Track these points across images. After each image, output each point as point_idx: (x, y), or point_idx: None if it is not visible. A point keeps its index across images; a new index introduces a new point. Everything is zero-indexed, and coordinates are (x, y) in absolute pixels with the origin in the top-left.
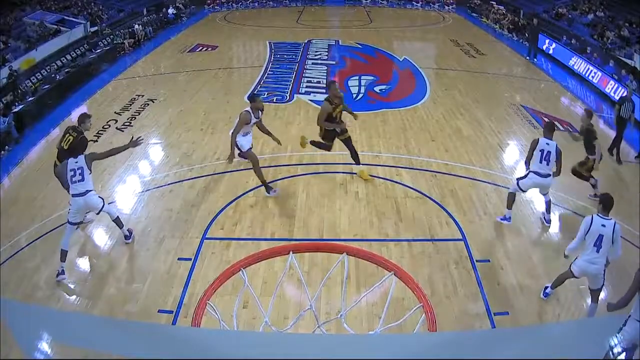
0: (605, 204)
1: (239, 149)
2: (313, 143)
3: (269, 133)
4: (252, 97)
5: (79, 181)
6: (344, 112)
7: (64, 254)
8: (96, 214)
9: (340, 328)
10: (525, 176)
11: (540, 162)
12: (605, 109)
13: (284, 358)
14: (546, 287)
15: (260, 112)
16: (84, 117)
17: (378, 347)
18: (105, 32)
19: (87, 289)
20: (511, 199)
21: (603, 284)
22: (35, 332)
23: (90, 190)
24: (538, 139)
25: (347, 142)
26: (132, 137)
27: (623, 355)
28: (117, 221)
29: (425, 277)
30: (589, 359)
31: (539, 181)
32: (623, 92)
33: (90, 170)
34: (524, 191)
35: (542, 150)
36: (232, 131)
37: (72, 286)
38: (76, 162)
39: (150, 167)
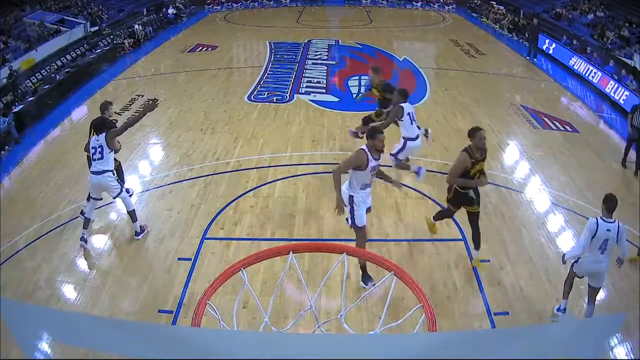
0: (609, 205)
1: (352, 216)
2: (437, 217)
3: (386, 177)
4: (373, 134)
5: (98, 159)
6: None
7: (87, 222)
8: (112, 197)
9: (340, 328)
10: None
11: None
12: (606, 109)
13: (284, 358)
14: (557, 308)
15: (380, 154)
16: (106, 105)
17: (378, 347)
18: (105, 32)
19: (87, 289)
20: (567, 288)
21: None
22: (35, 332)
23: (108, 171)
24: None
25: (474, 218)
26: (148, 101)
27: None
28: (132, 214)
29: (425, 277)
30: (589, 359)
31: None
32: (636, 101)
33: (111, 149)
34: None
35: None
36: (335, 169)
37: (72, 286)
38: (97, 140)
39: (150, 167)
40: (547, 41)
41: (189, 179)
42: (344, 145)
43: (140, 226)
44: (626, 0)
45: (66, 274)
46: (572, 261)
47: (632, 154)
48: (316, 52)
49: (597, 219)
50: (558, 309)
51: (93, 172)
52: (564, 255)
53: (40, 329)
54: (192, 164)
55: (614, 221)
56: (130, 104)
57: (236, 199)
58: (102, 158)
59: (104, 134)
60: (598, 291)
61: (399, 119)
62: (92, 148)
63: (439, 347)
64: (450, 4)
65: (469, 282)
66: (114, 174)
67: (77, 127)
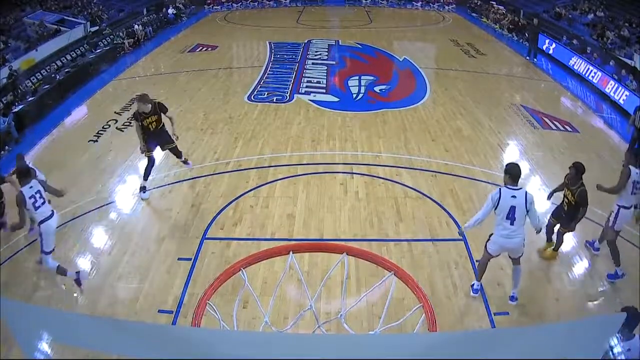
0: (512, 173)
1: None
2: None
3: None
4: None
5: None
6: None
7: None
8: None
9: (341, 328)
10: (617, 212)
11: (632, 193)
12: (606, 109)
13: (284, 358)
14: (473, 284)
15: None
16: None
17: (378, 347)
18: (105, 32)
19: (87, 289)
20: (481, 269)
21: (522, 253)
22: (35, 332)
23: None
24: (630, 168)
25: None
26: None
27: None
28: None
29: (425, 277)
30: (589, 359)
31: (628, 217)
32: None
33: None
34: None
35: (635, 182)
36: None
37: (72, 286)
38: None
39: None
40: (547, 41)
41: (189, 179)
42: (343, 146)
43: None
44: (626, 0)
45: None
46: (486, 242)
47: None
48: (316, 52)
49: (500, 187)
50: (473, 290)
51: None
52: (462, 228)
53: (40, 329)
54: (192, 164)
55: (520, 188)
56: (130, 104)
57: (236, 199)
58: (45, 202)
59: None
60: (519, 259)
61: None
62: (32, 198)
63: (439, 347)
64: (450, 4)
65: (469, 282)
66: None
67: (77, 128)
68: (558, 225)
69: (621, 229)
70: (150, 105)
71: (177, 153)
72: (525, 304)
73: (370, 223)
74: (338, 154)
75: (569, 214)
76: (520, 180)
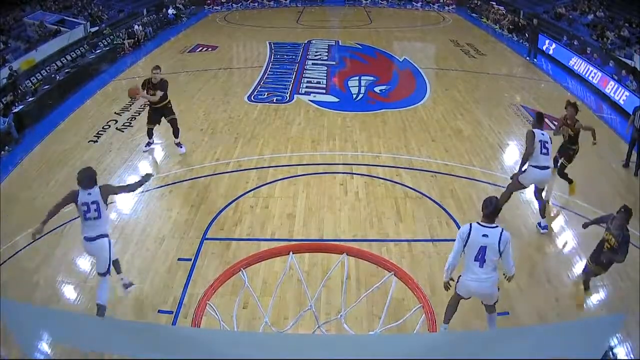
0: (486, 209)
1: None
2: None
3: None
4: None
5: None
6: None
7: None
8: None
9: (340, 328)
10: (524, 171)
11: (541, 153)
12: (606, 109)
13: (284, 358)
14: (443, 324)
15: None
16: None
17: (378, 347)
18: (105, 32)
19: (87, 289)
20: (450, 311)
21: (498, 299)
22: (35, 332)
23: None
24: (533, 131)
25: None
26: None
27: None
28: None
29: (425, 277)
30: (589, 359)
31: (540, 176)
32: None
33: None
34: (525, 187)
35: (540, 141)
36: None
37: (72, 286)
38: (89, 195)
39: (150, 167)
40: (547, 41)
41: (189, 179)
42: (343, 146)
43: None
44: (626, 0)
45: (66, 274)
46: (455, 282)
47: (633, 155)
48: (316, 52)
49: (471, 223)
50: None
51: (87, 238)
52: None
53: (40, 329)
54: (192, 164)
55: (496, 226)
56: (130, 105)
57: (236, 199)
58: (99, 217)
59: (97, 188)
60: (494, 307)
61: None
62: (84, 205)
63: (439, 347)
64: (450, 4)
65: None
66: (109, 240)
67: (77, 128)
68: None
69: (527, 187)
70: (158, 77)
71: (176, 130)
72: (525, 304)
73: (370, 223)
74: (338, 154)
75: (607, 258)
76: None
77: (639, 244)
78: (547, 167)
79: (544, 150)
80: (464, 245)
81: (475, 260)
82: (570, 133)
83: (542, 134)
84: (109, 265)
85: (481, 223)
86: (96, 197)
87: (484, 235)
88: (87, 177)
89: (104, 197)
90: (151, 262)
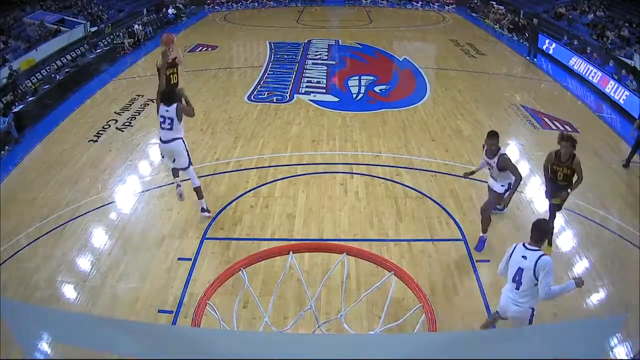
0: (532, 230)
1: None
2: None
3: None
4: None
5: (167, 129)
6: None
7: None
8: (181, 169)
9: (340, 328)
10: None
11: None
12: (605, 109)
13: (284, 358)
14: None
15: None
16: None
17: (378, 347)
18: (105, 32)
19: (87, 289)
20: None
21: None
22: (35, 332)
23: (178, 139)
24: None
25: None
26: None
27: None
28: (198, 190)
29: (425, 277)
30: (589, 359)
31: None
32: None
33: (180, 120)
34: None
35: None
36: None
37: (72, 286)
38: (167, 111)
39: (150, 167)
40: (547, 41)
41: (189, 179)
42: (343, 146)
43: (206, 208)
44: (626, 0)
45: (66, 274)
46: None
47: (625, 149)
48: (316, 52)
49: (517, 243)
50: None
51: (162, 141)
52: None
53: (40, 329)
54: (193, 164)
55: (537, 249)
56: (130, 104)
57: (236, 199)
58: (171, 129)
59: (174, 106)
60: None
61: None
62: (161, 117)
63: (439, 347)
64: (450, 4)
65: (469, 282)
66: (184, 142)
67: (77, 128)
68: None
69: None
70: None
71: None
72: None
73: (370, 223)
74: (338, 154)
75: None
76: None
77: (639, 244)
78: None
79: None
80: (507, 262)
81: (512, 281)
82: (566, 172)
83: None
84: (188, 159)
85: (526, 244)
86: (172, 114)
87: (523, 257)
88: (167, 96)
89: (178, 115)
90: (151, 262)
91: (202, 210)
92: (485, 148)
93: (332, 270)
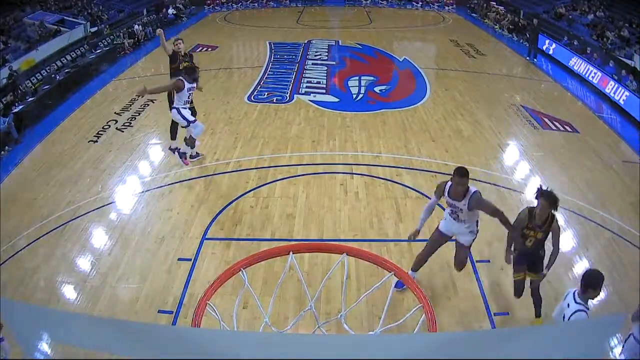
0: (584, 283)
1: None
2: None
3: None
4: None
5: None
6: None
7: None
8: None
9: (341, 328)
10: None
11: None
12: (606, 109)
13: (284, 358)
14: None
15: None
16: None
17: (378, 347)
18: (105, 32)
19: (87, 289)
20: None
21: None
22: (35, 332)
23: (173, 108)
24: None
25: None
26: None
27: None
28: (190, 140)
29: (425, 277)
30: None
31: None
32: None
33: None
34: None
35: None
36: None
37: (72, 286)
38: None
39: (150, 167)
40: (547, 41)
41: (189, 179)
42: (343, 146)
43: (190, 155)
44: (626, 0)
45: (66, 274)
46: None
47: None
48: (316, 52)
49: (574, 290)
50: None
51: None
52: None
53: (40, 329)
54: (192, 164)
55: (580, 304)
56: (130, 105)
57: (236, 199)
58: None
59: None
60: None
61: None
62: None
63: (439, 347)
64: (450, 4)
65: (469, 282)
66: (178, 111)
67: (77, 128)
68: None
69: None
70: (182, 47)
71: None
72: (525, 304)
73: (370, 223)
74: (338, 154)
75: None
76: (520, 180)
77: (639, 244)
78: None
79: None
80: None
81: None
82: (539, 237)
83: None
84: (186, 120)
85: (576, 293)
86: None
87: (567, 305)
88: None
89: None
90: (151, 262)
91: (173, 150)
92: (447, 188)
93: (332, 271)
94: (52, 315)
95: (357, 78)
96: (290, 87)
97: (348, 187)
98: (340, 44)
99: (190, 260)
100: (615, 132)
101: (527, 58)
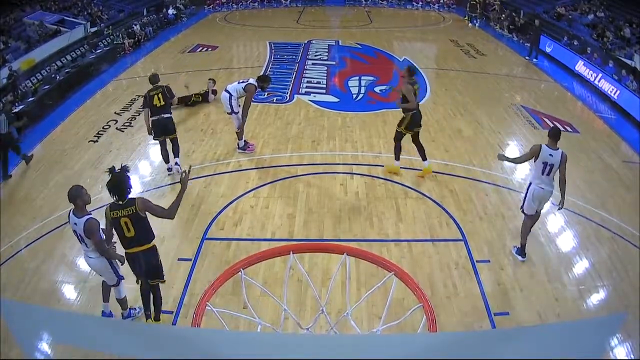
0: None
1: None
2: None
3: None
4: None
5: None
6: None
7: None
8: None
9: (343, 328)
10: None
11: (543, 174)
12: (606, 109)
13: (284, 358)
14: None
15: None
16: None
17: (378, 347)
18: (105, 32)
19: (87, 289)
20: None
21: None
22: (35, 332)
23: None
24: (541, 146)
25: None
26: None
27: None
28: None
29: (425, 277)
30: (589, 359)
31: (540, 193)
32: None
33: None
34: (537, 213)
35: (544, 163)
36: None
37: (72, 286)
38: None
39: (150, 167)
40: (547, 41)
41: (188, 179)
42: (344, 146)
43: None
44: (626, 0)
45: (66, 274)
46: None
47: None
48: (316, 52)
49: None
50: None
51: None
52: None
53: (40, 329)
54: (192, 164)
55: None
56: (131, 105)
57: (236, 199)
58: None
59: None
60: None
61: None
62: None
63: (439, 347)
64: (451, 4)
65: (469, 282)
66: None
67: (77, 128)
68: None
69: (538, 210)
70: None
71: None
72: (525, 304)
73: (370, 223)
74: (338, 154)
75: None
76: (520, 180)
77: (639, 244)
78: (549, 190)
79: (546, 172)
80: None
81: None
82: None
83: (550, 155)
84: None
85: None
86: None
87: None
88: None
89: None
90: None
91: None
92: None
93: (335, 273)
94: (52, 315)
95: (357, 78)
96: (290, 87)
97: (348, 187)
98: (340, 44)
99: (190, 260)
100: (615, 132)
101: (527, 58)
